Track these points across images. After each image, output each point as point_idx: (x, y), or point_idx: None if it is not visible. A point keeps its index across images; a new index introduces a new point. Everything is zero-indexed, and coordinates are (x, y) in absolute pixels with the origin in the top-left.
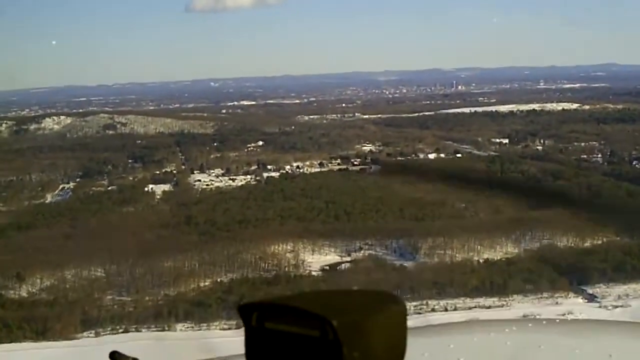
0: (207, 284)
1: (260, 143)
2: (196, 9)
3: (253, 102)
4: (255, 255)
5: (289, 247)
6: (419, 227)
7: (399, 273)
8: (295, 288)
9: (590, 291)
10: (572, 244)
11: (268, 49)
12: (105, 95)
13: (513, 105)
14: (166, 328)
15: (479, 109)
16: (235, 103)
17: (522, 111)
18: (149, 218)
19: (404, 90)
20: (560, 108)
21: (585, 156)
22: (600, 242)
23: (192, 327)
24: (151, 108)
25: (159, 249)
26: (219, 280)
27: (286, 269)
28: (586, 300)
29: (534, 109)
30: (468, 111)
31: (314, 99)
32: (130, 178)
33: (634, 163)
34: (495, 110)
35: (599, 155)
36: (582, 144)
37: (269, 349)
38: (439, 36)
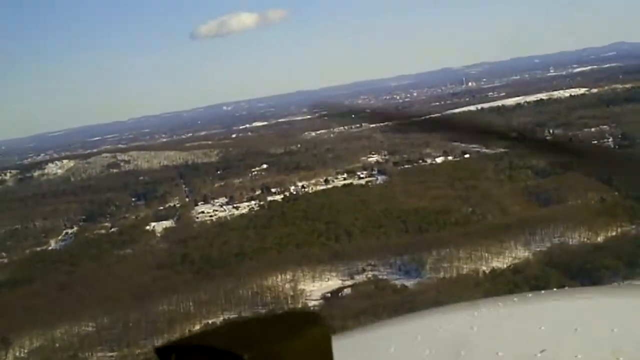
0: (199, 326)
1: (265, 166)
2: (201, 35)
3: (265, 123)
4: (252, 290)
5: (287, 277)
6: (423, 239)
7: (401, 294)
8: None
9: None
10: (585, 239)
11: (277, 66)
12: (120, 131)
13: (520, 97)
14: None
15: (486, 105)
16: (247, 126)
17: (529, 102)
18: (146, 259)
19: (415, 94)
20: (568, 95)
21: (595, 141)
22: (614, 233)
23: None
24: (164, 140)
25: (154, 292)
26: (211, 322)
27: (285, 301)
28: None
29: (541, 99)
30: (474, 108)
31: (325, 112)
32: (133, 217)
33: None
34: (502, 105)
35: (610, 139)
36: (592, 129)
37: None
38: (447, 35)
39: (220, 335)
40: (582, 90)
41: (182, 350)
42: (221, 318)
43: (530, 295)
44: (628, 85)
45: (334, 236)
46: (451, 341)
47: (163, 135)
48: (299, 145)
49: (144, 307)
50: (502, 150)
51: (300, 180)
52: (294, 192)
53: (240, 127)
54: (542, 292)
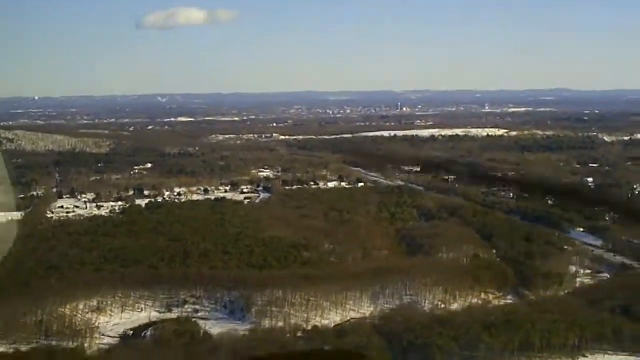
0: None
1: (149, 165)
2: (147, 25)
3: (190, 119)
4: (41, 318)
5: (93, 303)
6: (263, 275)
7: (208, 342)
8: None
9: None
10: (439, 302)
11: (219, 65)
12: (47, 107)
13: (437, 130)
14: None
15: (401, 133)
16: (171, 119)
17: (444, 136)
18: None
19: (347, 110)
20: (485, 134)
21: (495, 189)
22: (474, 300)
23: None
24: (85, 122)
25: None
26: None
27: (71, 335)
28: None
29: (457, 134)
30: (387, 134)
31: (253, 117)
32: None
33: (546, 198)
34: (416, 135)
35: (512, 187)
36: (499, 173)
37: None
38: (395, 58)
39: None
40: (501, 131)
41: None
42: None
43: None
44: (549, 133)
45: (169, 256)
46: None
47: (85, 117)
48: (197, 148)
49: None
50: (400, 183)
51: (180, 186)
52: (165, 198)
53: (165, 120)
54: None
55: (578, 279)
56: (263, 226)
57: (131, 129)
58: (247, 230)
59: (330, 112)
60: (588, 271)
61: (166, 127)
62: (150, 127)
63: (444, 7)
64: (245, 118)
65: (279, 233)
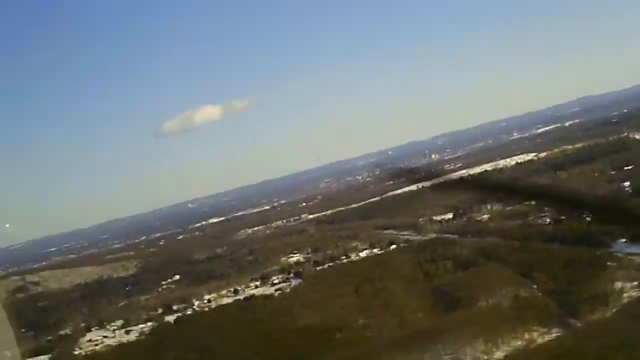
0: None
1: (177, 277)
2: (165, 132)
3: (222, 218)
4: None
5: None
6: None
7: None
8: None
9: None
10: (480, 354)
11: (243, 157)
12: (79, 239)
13: (464, 171)
14: None
15: (427, 183)
16: (204, 223)
17: (472, 175)
18: None
19: (377, 172)
20: (514, 162)
21: (532, 216)
22: (518, 343)
23: None
24: (116, 246)
25: None
26: None
27: None
28: None
29: (485, 170)
30: (415, 187)
31: (284, 201)
32: (9, 354)
33: (584, 215)
34: (444, 181)
35: (548, 212)
36: (533, 201)
37: None
38: (411, 108)
39: None
40: (530, 156)
41: None
42: None
43: None
44: (579, 145)
45: None
46: None
47: (116, 242)
48: (225, 248)
49: None
50: (432, 235)
51: (210, 293)
52: (195, 309)
53: (196, 225)
54: None
55: (625, 294)
56: (294, 317)
57: (162, 242)
58: (278, 325)
59: (360, 178)
60: (635, 283)
61: (197, 232)
62: (181, 237)
63: (461, 42)
64: (275, 204)
65: (310, 320)
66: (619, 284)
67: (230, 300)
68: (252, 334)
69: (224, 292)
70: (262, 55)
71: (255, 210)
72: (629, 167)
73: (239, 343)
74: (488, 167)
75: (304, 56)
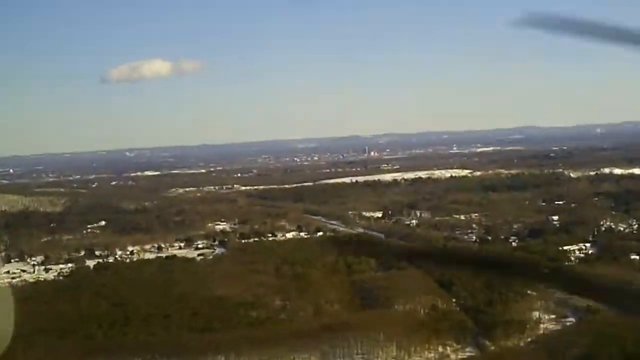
0: None
1: (103, 223)
2: (112, 79)
3: (157, 173)
4: None
5: None
6: (206, 340)
7: None
8: None
9: None
10: None
11: (187, 117)
12: (14, 166)
13: (400, 174)
14: None
15: (362, 179)
16: (138, 174)
17: (406, 180)
18: None
19: (315, 157)
20: (448, 175)
21: (459, 231)
22: (430, 355)
23: None
24: (50, 180)
25: None
26: None
27: None
28: None
29: (419, 177)
30: (349, 180)
31: (220, 168)
32: None
33: (510, 239)
34: (378, 180)
35: (475, 230)
36: (462, 216)
37: None
38: (360, 103)
39: None
40: (465, 172)
41: None
42: None
43: None
44: (514, 171)
45: (109, 324)
46: None
47: (51, 175)
48: (155, 203)
49: None
50: (360, 230)
51: (134, 244)
52: (117, 258)
53: (131, 175)
54: None
55: (542, 325)
56: (211, 285)
57: (94, 185)
58: (194, 291)
59: (298, 160)
60: (552, 316)
61: (130, 182)
62: (114, 183)
63: (412, 50)
64: (211, 170)
65: (227, 292)
66: (537, 314)
67: (152, 256)
68: (168, 295)
69: (147, 246)
70: (218, 21)
71: (190, 171)
72: (560, 202)
73: (153, 302)
74: (423, 174)
75: (261, 33)
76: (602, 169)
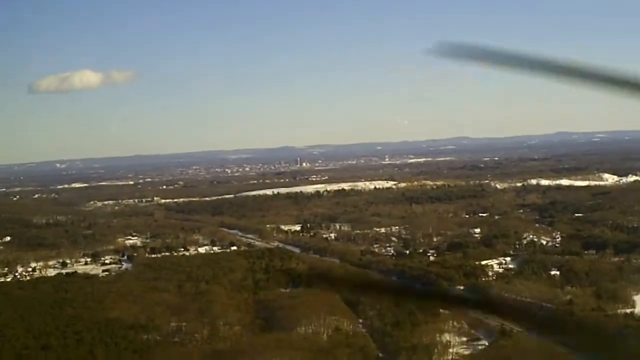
0: None
1: (8, 239)
2: (40, 90)
3: (85, 185)
4: None
5: None
6: None
7: None
8: None
9: None
10: None
11: (119, 128)
12: None
13: (323, 185)
14: None
15: (284, 190)
16: (66, 186)
17: (329, 191)
18: None
19: (247, 168)
20: (372, 187)
21: (378, 244)
22: None
23: None
24: None
25: None
26: None
27: None
28: None
29: (343, 189)
30: (270, 193)
31: (150, 179)
32: None
33: (429, 253)
34: (300, 192)
35: (394, 243)
36: (382, 229)
37: None
38: (294, 114)
39: None
40: (390, 184)
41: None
42: None
43: None
44: (439, 182)
45: None
46: None
47: None
48: (68, 217)
49: None
50: (276, 244)
51: (37, 260)
52: (17, 276)
53: (58, 187)
54: None
55: (451, 350)
56: (106, 305)
57: (15, 198)
58: (86, 312)
59: (229, 171)
60: (464, 339)
61: (53, 194)
62: (36, 196)
63: (343, 61)
64: (139, 181)
65: (121, 313)
66: (446, 337)
67: (54, 272)
68: (57, 318)
69: (52, 262)
70: (148, 32)
71: (119, 182)
72: (484, 214)
73: (35, 328)
74: (346, 186)
75: (193, 43)
76: (529, 180)
